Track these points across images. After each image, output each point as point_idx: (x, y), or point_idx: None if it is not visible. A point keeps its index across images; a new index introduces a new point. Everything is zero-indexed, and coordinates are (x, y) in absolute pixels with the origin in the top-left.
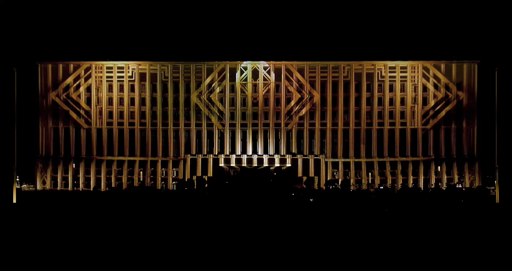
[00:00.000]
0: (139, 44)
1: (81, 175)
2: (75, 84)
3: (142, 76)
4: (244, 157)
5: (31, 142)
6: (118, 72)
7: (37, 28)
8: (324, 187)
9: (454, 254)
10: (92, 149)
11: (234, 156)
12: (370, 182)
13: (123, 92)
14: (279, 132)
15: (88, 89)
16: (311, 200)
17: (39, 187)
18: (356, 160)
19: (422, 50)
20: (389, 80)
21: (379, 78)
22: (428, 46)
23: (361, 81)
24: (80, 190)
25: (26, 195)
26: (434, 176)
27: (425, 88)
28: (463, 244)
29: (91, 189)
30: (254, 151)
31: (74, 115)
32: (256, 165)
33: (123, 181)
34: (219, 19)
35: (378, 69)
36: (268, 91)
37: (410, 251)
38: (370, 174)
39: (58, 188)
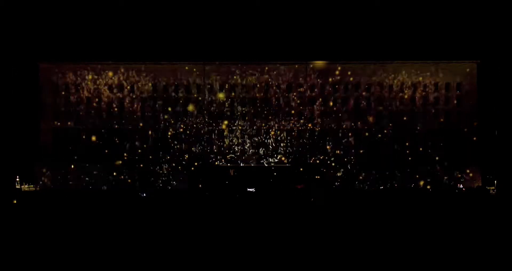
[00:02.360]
0: (140, 45)
1: (81, 175)
2: (74, 84)
3: (142, 76)
4: (244, 157)
5: (31, 141)
6: (118, 72)
7: (38, 28)
8: (324, 187)
9: (454, 253)
10: (92, 148)
11: (234, 156)
12: (370, 182)
13: (123, 92)
14: (279, 133)
15: (88, 89)
16: (312, 200)
17: (39, 187)
18: (356, 160)
19: (422, 50)
20: (389, 81)
21: (380, 78)
22: (428, 47)
23: (361, 81)
24: (80, 190)
25: (26, 195)
26: (434, 176)
27: (425, 88)
28: (463, 243)
29: (91, 189)
30: (254, 151)
31: (74, 115)
32: (256, 165)
33: (123, 181)
34: (219, 20)
35: (378, 69)
36: (269, 91)
37: (411, 250)
38: (370, 174)
39: (58, 188)
